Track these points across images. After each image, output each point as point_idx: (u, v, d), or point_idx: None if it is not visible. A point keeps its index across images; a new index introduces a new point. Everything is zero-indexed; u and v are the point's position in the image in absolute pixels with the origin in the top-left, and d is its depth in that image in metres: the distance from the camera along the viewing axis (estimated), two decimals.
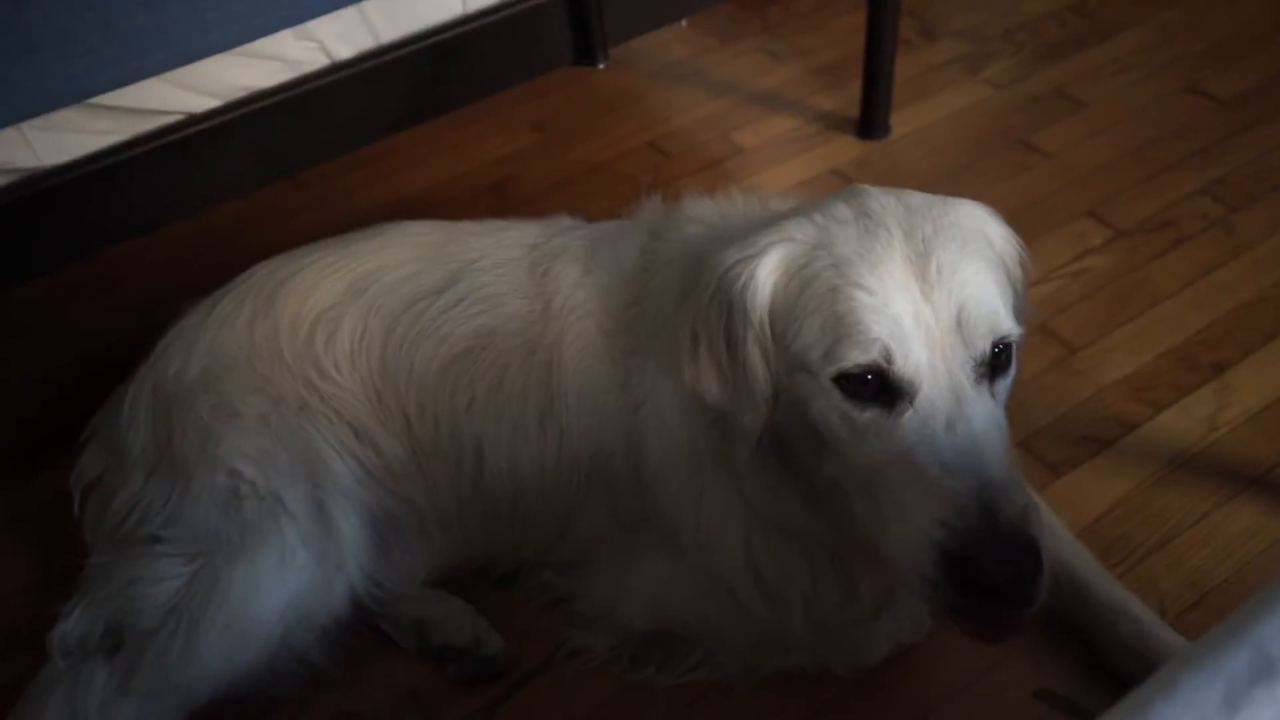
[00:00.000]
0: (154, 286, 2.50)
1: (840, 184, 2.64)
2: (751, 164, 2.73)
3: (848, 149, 2.75)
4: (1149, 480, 1.91)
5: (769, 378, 1.32)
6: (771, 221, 1.39)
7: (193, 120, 2.63)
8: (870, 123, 2.77)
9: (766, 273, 1.30)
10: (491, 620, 1.76)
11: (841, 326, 1.22)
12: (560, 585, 1.77)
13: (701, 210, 1.67)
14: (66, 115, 2.41)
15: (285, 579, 1.56)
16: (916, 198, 1.34)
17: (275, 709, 1.66)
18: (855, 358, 1.21)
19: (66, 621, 1.56)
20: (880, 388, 1.22)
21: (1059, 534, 1.72)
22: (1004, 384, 1.28)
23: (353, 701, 1.71)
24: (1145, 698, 0.65)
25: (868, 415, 1.23)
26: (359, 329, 1.70)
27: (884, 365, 1.20)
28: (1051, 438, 1.99)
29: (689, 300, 1.40)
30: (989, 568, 1.13)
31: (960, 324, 1.21)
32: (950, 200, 1.35)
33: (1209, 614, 1.69)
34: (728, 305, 1.32)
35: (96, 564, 1.63)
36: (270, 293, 1.74)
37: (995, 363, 1.25)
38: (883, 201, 1.31)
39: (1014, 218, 2.43)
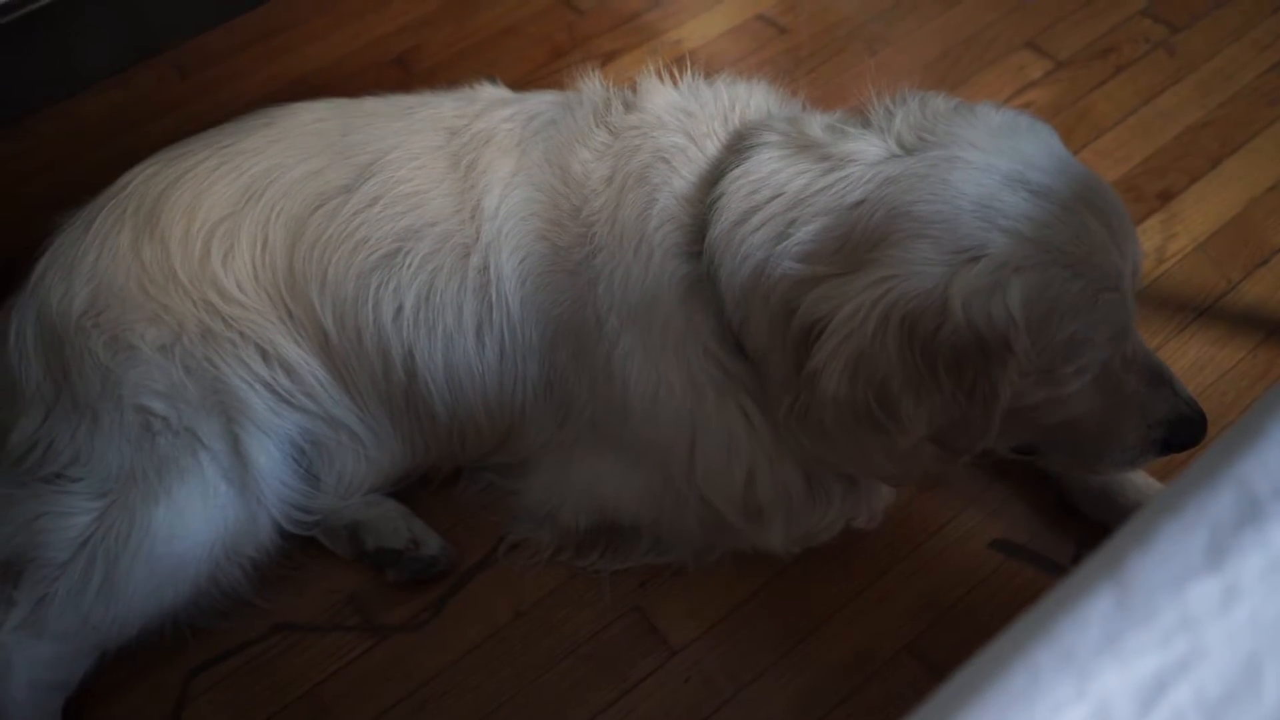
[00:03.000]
0: (20, 196, 2.26)
1: (768, 30, 2.48)
2: (672, 15, 2.55)
3: None
4: None
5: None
6: (854, 208, 1.26)
7: None
8: None
9: (1019, 304, 1.18)
10: (429, 520, 1.68)
11: (1098, 328, 1.24)
12: (503, 485, 1.69)
13: (668, 112, 1.48)
14: None
15: (209, 515, 1.48)
16: (1020, 139, 1.29)
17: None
18: (1112, 351, 1.29)
19: None
20: None
21: None
22: None
23: (290, 611, 1.63)
24: (1120, 551, 0.58)
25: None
26: (259, 240, 1.54)
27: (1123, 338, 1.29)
28: None
29: (854, 353, 1.21)
30: (1198, 437, 1.38)
31: (1135, 271, 1.28)
32: (1034, 128, 1.33)
33: None
34: (971, 343, 1.18)
35: None
36: (152, 205, 1.56)
37: None
38: (1015, 164, 1.24)
39: (950, 54, 2.34)
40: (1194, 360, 1.77)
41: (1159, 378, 1.35)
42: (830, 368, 1.22)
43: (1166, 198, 2.02)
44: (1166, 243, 1.95)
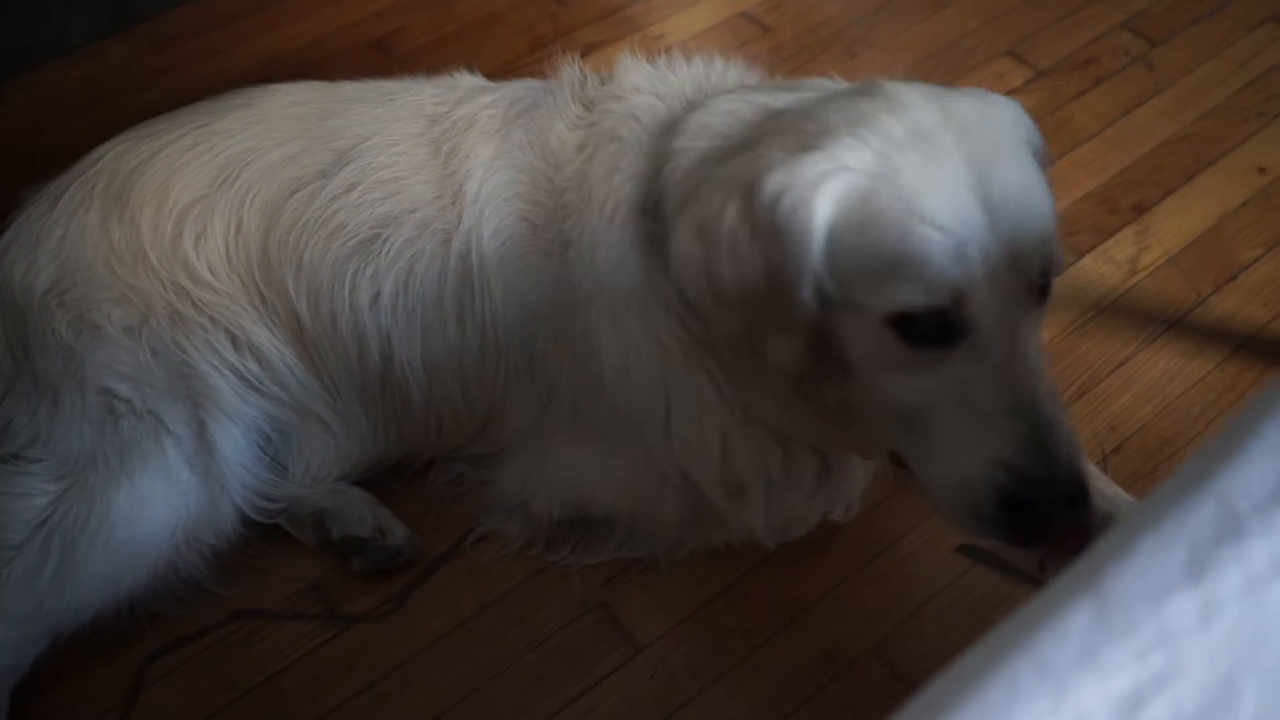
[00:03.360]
0: None
1: (751, 28, 2.48)
2: (656, 9, 2.54)
3: None
4: (1070, 327, 1.86)
5: (816, 316, 1.20)
6: (764, 121, 1.26)
7: None
8: None
9: (826, 206, 1.14)
10: (397, 510, 1.66)
11: (910, 266, 1.10)
12: (476, 476, 1.67)
13: (643, 78, 1.49)
14: None
15: (171, 501, 1.45)
16: (961, 103, 1.20)
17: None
18: (923, 299, 1.11)
19: None
20: (937, 325, 1.13)
21: None
22: (1044, 307, 1.20)
23: (251, 598, 1.61)
24: (1099, 563, 0.58)
25: (921, 354, 1.14)
26: (233, 223, 1.51)
27: (951, 307, 1.11)
28: None
29: (697, 217, 1.23)
30: (1050, 512, 1.13)
31: (1019, 255, 1.12)
32: (987, 100, 1.24)
33: (1131, 459, 1.67)
34: (773, 239, 1.16)
35: None
36: (123, 183, 1.53)
37: (1041, 284, 1.17)
38: (928, 112, 1.17)
39: (932, 58, 2.35)
40: (1163, 371, 1.79)
41: (1021, 407, 1.12)
42: (681, 230, 1.26)
43: (1141, 210, 2.04)
44: (1139, 254, 1.96)
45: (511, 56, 2.45)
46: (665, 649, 1.53)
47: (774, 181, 1.16)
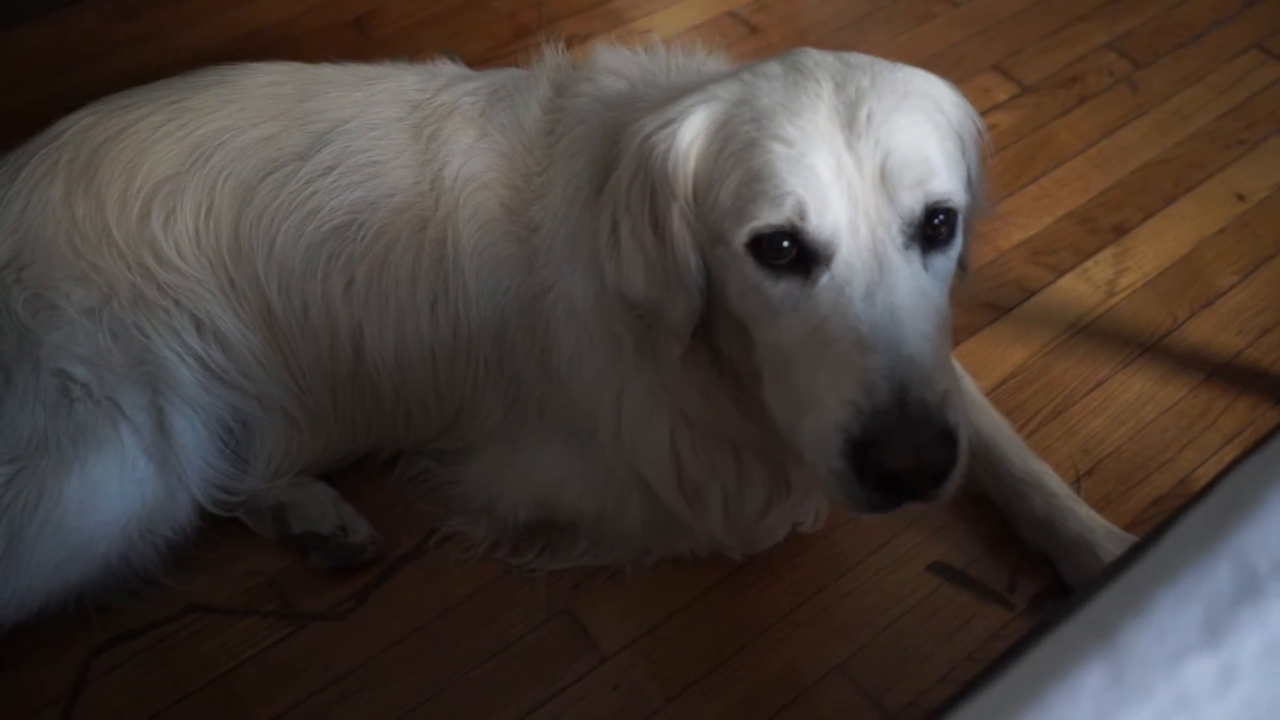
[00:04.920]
0: None
1: (738, 28, 2.45)
2: (642, 4, 2.50)
3: None
4: (1047, 347, 1.86)
5: (700, 263, 1.18)
6: (698, 82, 1.23)
7: None
8: None
9: (689, 138, 1.14)
10: (360, 506, 1.62)
11: (755, 183, 1.08)
12: (441, 474, 1.63)
13: (616, 61, 1.47)
14: None
15: (126, 490, 1.40)
16: (862, 57, 1.19)
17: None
18: (767, 216, 1.07)
19: None
20: (798, 256, 1.09)
21: (975, 400, 1.66)
22: (944, 260, 1.15)
23: (205, 592, 1.56)
24: (1112, 618, 0.55)
25: (782, 286, 1.10)
26: (204, 204, 1.46)
27: (798, 223, 1.07)
28: (956, 301, 1.91)
29: (609, 181, 1.23)
30: (890, 453, 1.02)
31: (885, 175, 1.07)
32: (902, 64, 1.20)
33: (1104, 482, 1.67)
34: (650, 181, 1.17)
35: None
36: (89, 157, 1.47)
37: (932, 233, 1.12)
38: (818, 58, 1.17)
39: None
40: (1138, 395, 1.79)
41: (875, 343, 1.03)
42: (603, 200, 1.26)
43: (1121, 231, 2.04)
44: (1118, 276, 1.96)
45: (493, 44, 2.40)
46: (630, 659, 1.50)
47: (649, 121, 1.18)
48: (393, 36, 2.41)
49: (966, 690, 0.58)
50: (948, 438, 1.05)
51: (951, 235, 1.14)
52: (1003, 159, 2.16)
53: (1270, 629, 0.52)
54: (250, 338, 1.49)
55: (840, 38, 2.42)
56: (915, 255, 1.10)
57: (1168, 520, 0.64)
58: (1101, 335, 1.88)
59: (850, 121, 1.08)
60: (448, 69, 1.61)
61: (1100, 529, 1.53)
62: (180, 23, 2.41)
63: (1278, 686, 0.51)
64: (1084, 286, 1.95)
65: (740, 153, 1.11)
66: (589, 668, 1.49)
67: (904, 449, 1.03)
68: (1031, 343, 1.86)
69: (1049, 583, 1.56)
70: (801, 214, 1.06)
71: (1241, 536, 0.57)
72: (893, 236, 1.08)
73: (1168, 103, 2.28)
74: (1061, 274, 1.97)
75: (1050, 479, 1.58)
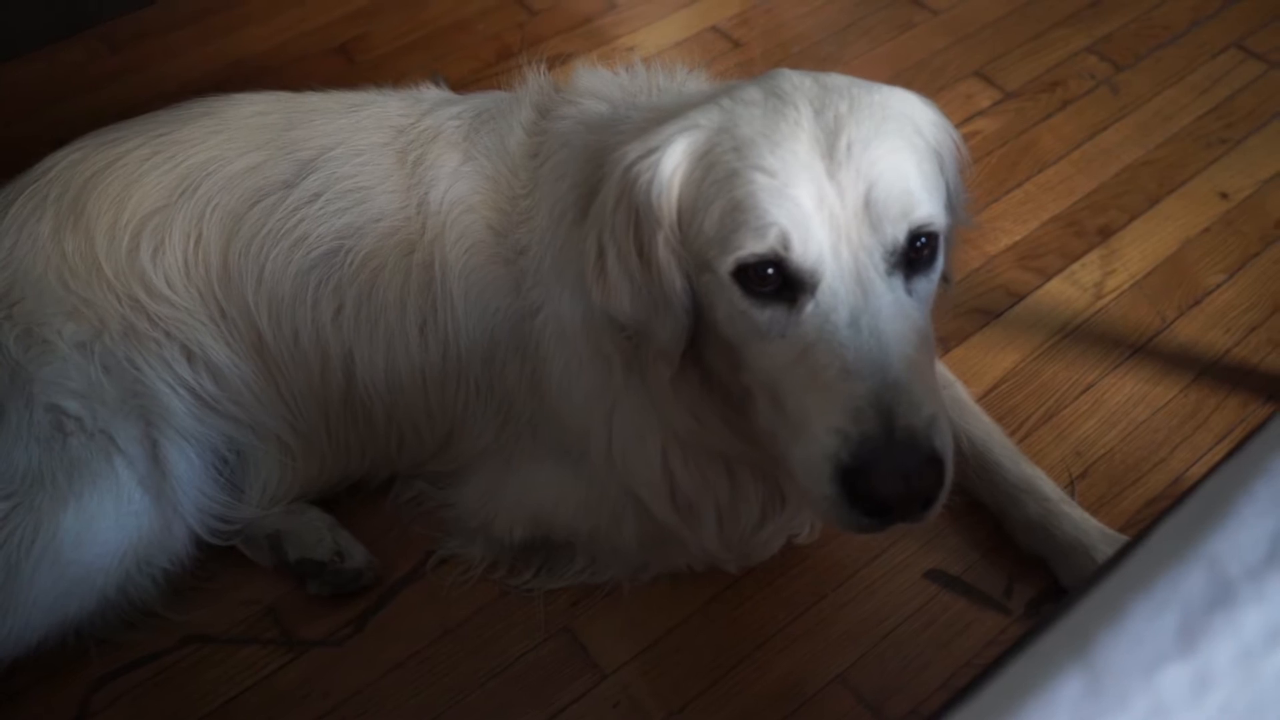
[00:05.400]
0: None
1: (721, 42, 2.47)
2: (626, 21, 2.52)
3: (728, 5, 2.56)
4: (1036, 352, 1.86)
5: (686, 286, 1.19)
6: (679, 105, 1.24)
7: None
8: None
9: (672, 167, 1.15)
10: (355, 531, 1.62)
11: (739, 213, 1.09)
12: (436, 496, 1.64)
13: (598, 83, 1.48)
14: None
15: (122, 523, 1.40)
16: (839, 79, 1.19)
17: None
18: (751, 246, 1.08)
19: None
20: (782, 283, 1.10)
21: (968, 407, 1.67)
22: (926, 281, 1.15)
23: (203, 622, 1.56)
24: (1088, 628, 0.56)
25: (768, 313, 1.11)
26: (193, 235, 1.47)
27: (781, 253, 1.08)
28: (939, 311, 1.92)
29: (593, 206, 1.24)
30: (879, 479, 1.04)
31: (868, 205, 1.08)
32: (879, 84, 1.21)
33: (1097, 484, 1.67)
34: (634, 208, 1.17)
35: None
36: (78, 192, 1.49)
37: (914, 256, 1.12)
38: (796, 82, 1.17)
39: (900, 78, 2.34)
40: (1128, 397, 1.79)
41: (860, 370, 1.04)
42: (588, 225, 1.25)
43: (1106, 234, 2.05)
44: (1105, 279, 1.97)
45: (479, 65, 2.42)
46: (629, 676, 1.50)
47: (632, 149, 1.18)
48: (378, 61, 2.42)
49: (948, 706, 0.58)
50: (935, 462, 1.06)
51: (934, 257, 1.15)
52: (987, 165, 2.17)
53: (1243, 634, 0.53)
54: (242, 366, 1.50)
55: (822, 49, 2.43)
56: (898, 281, 1.11)
57: (1149, 526, 0.64)
58: (1090, 338, 1.88)
59: (830, 150, 1.09)
60: (431, 93, 1.62)
61: (1095, 531, 1.53)
62: (167, 54, 2.43)
63: (1252, 692, 0.52)
64: (1072, 290, 1.96)
65: (723, 182, 1.11)
66: (588, 686, 1.50)
67: (893, 476, 1.04)
68: (1021, 347, 1.87)
69: (1045, 587, 1.56)
70: (785, 244, 1.07)
71: (1214, 542, 0.57)
72: (875, 263, 1.09)
73: (1149, 104, 2.29)
74: (1049, 278, 1.98)
75: (1044, 483, 1.59)
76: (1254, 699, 0.51)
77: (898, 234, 1.10)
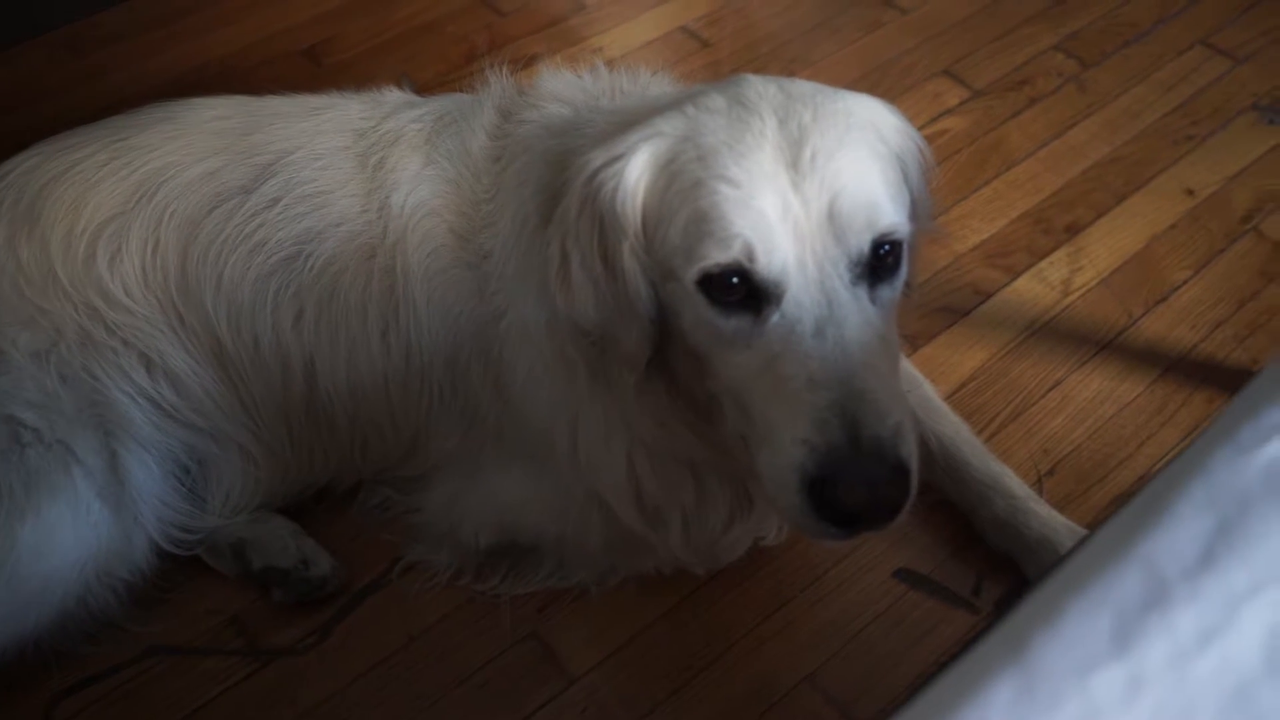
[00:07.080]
0: None
1: (690, 43, 2.46)
2: (595, 22, 2.51)
3: (697, 5, 2.55)
4: (1004, 350, 1.87)
5: (651, 294, 1.18)
6: (642, 110, 1.23)
7: None
8: None
9: (636, 174, 1.14)
10: (320, 538, 1.61)
11: (703, 223, 1.09)
12: (402, 502, 1.62)
13: (560, 86, 1.47)
14: None
15: (81, 534, 1.38)
16: (804, 86, 1.19)
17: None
18: (715, 256, 1.08)
19: None
20: (747, 293, 1.10)
21: (935, 406, 1.67)
22: (890, 290, 1.15)
23: (167, 633, 1.54)
24: (1023, 629, 0.56)
25: (733, 322, 1.11)
26: (150, 242, 1.46)
27: (746, 264, 1.07)
28: (906, 311, 1.93)
29: (557, 212, 1.23)
30: (845, 489, 1.04)
31: (833, 216, 1.08)
32: (843, 91, 1.21)
33: (1065, 481, 1.68)
34: (598, 216, 1.16)
35: None
36: (33, 199, 1.46)
37: (878, 264, 1.12)
38: (760, 89, 1.17)
39: (869, 78, 2.35)
40: (1095, 393, 1.80)
41: (826, 380, 1.04)
42: (551, 230, 1.24)
43: (1074, 231, 2.05)
44: (1073, 276, 1.98)
45: (447, 68, 2.41)
46: (598, 681, 1.50)
47: (595, 156, 1.17)
48: (346, 64, 2.41)
49: (893, 712, 0.58)
50: (900, 471, 1.06)
51: (898, 265, 1.15)
52: (955, 163, 2.18)
53: (1177, 635, 0.53)
54: (201, 374, 1.48)
55: (792, 49, 2.43)
56: (863, 290, 1.11)
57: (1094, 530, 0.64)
58: (1058, 335, 1.89)
59: (795, 161, 1.09)
60: (393, 96, 1.61)
61: (1063, 528, 1.53)
62: (129, 58, 2.40)
63: (1185, 695, 0.51)
64: (1039, 287, 1.96)
65: (687, 191, 1.11)
66: (557, 691, 1.49)
67: (858, 486, 1.05)
68: (989, 345, 1.87)
69: (1014, 584, 1.56)
70: (750, 255, 1.07)
71: (1150, 543, 0.57)
72: (840, 274, 1.09)
73: (1116, 101, 2.30)
74: (1017, 275, 1.98)
75: (1011, 481, 1.59)
76: (1186, 700, 0.51)
77: (862, 244, 1.09)
